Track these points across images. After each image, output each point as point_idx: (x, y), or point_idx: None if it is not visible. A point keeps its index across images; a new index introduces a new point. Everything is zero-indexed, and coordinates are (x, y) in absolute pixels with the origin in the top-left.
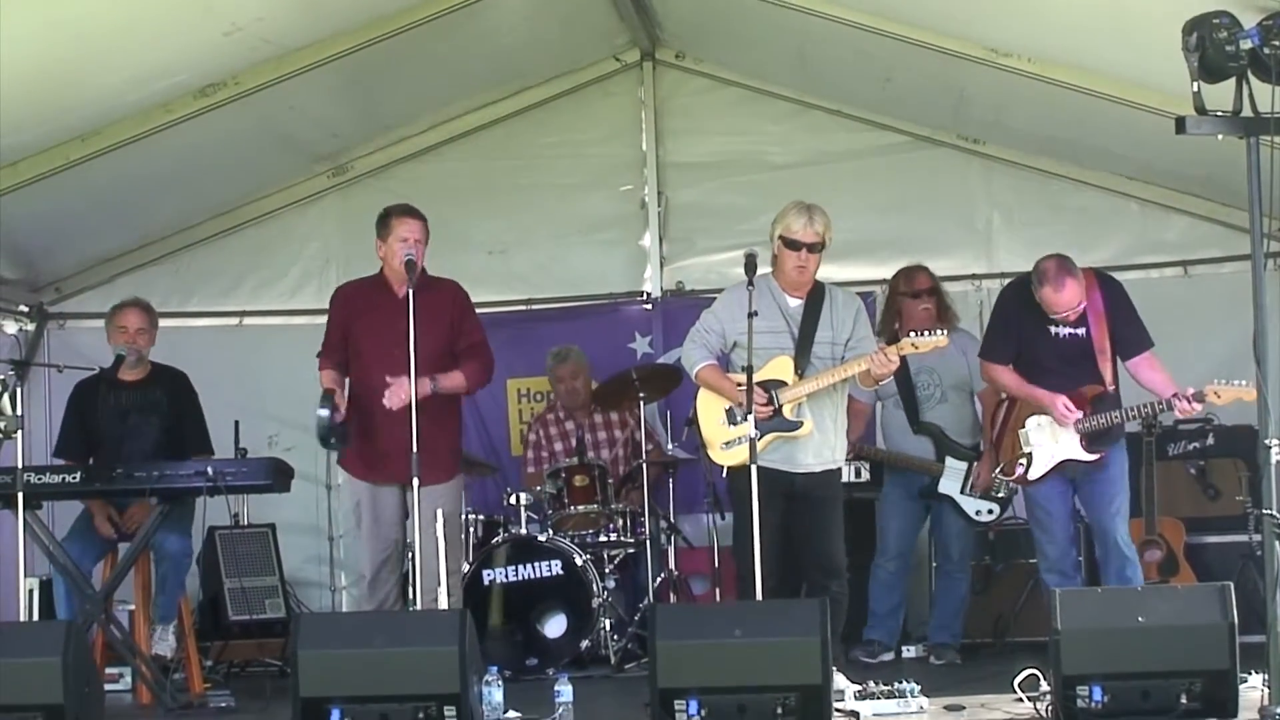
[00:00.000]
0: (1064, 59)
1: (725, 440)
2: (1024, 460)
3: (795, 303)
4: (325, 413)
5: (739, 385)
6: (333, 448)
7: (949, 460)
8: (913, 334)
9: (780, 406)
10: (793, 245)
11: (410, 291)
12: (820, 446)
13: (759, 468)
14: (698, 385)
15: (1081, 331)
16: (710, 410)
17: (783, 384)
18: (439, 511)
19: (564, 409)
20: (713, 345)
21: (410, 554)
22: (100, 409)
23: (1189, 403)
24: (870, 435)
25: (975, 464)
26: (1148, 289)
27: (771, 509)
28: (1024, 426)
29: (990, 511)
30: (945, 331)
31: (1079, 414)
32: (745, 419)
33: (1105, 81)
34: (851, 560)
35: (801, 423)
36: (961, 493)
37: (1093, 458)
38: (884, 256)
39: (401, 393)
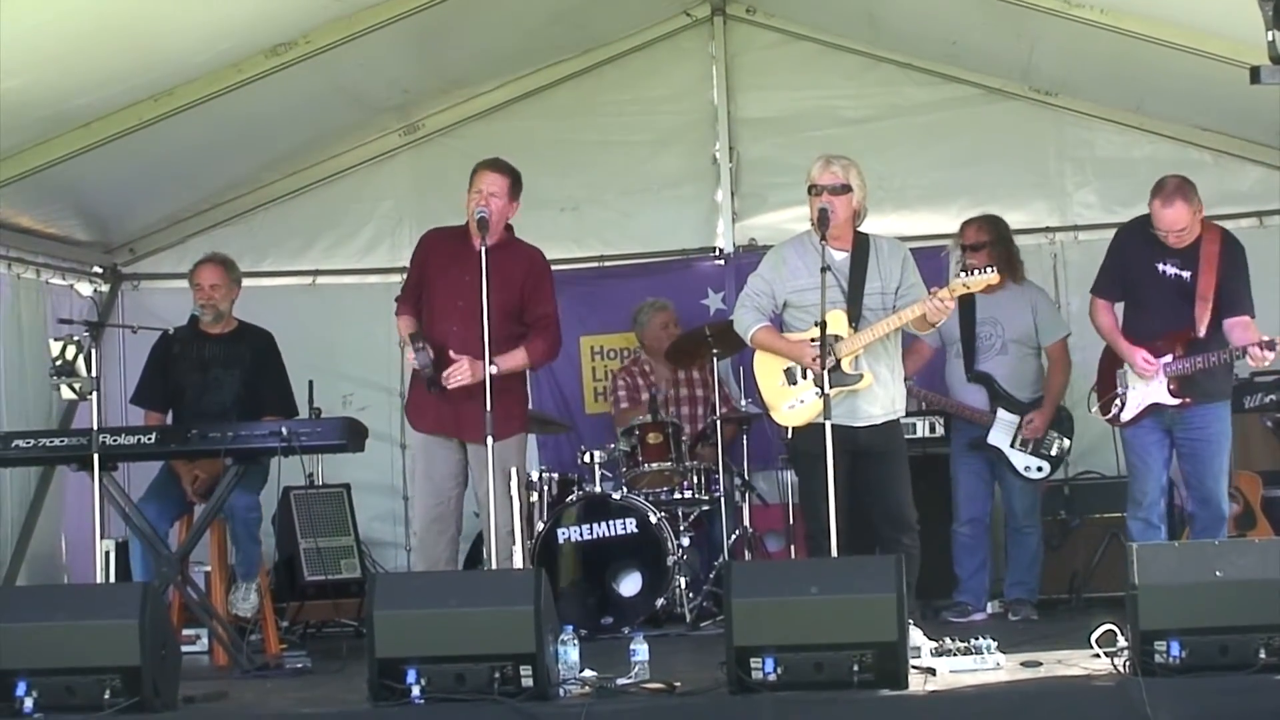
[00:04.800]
0: (1136, 8)
1: (788, 401)
2: (1118, 401)
3: (841, 255)
4: (428, 357)
5: (798, 343)
6: (438, 387)
7: (1000, 412)
8: (963, 274)
9: (839, 361)
10: (813, 190)
11: (483, 247)
12: (881, 397)
13: (822, 425)
14: (753, 349)
15: (1187, 275)
16: (769, 373)
17: (838, 338)
18: (513, 470)
19: (649, 363)
20: (764, 307)
21: (483, 513)
22: (182, 359)
23: (1262, 349)
24: (928, 379)
25: (1025, 418)
26: None
27: (837, 466)
28: (1122, 368)
29: (1040, 469)
30: (994, 269)
31: (1157, 366)
32: (806, 377)
33: (1178, 31)
34: (930, 515)
35: (861, 375)
36: (1011, 446)
37: (1176, 402)
38: (956, 210)
39: (460, 374)
